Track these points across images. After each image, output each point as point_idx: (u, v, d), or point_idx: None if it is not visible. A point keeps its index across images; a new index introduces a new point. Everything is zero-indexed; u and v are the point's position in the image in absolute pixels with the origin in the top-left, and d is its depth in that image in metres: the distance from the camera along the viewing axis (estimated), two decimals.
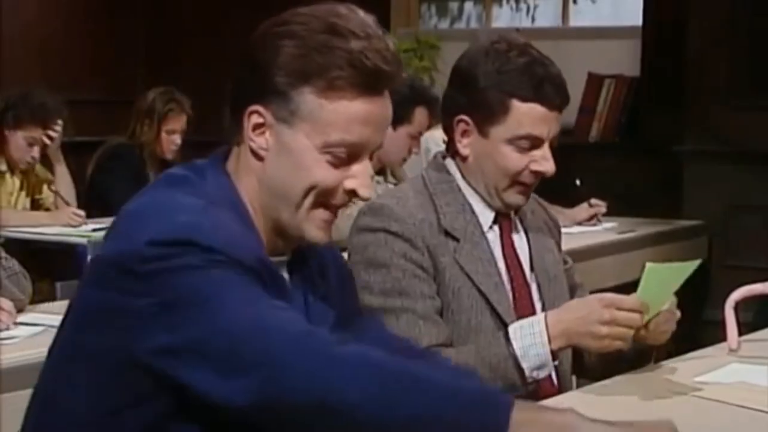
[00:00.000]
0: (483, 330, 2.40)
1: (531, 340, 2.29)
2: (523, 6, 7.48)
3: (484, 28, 7.61)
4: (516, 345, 2.29)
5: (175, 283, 1.60)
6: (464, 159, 2.49)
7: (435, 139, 5.25)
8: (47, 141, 5.22)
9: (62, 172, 5.45)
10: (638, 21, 6.68)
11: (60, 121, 5.29)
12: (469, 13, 7.72)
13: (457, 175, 2.51)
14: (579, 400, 2.17)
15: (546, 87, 2.40)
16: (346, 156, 1.74)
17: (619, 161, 6.47)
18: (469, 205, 2.49)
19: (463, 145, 2.47)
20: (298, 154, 1.73)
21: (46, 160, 5.41)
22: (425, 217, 2.43)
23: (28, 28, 7.16)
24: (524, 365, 2.29)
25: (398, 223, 2.39)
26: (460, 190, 2.50)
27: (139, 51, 7.74)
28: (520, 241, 2.57)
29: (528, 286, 2.52)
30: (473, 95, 2.42)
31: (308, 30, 1.72)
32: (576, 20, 7.26)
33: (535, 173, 2.45)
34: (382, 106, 1.76)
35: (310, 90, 1.71)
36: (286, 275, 1.84)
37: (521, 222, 2.59)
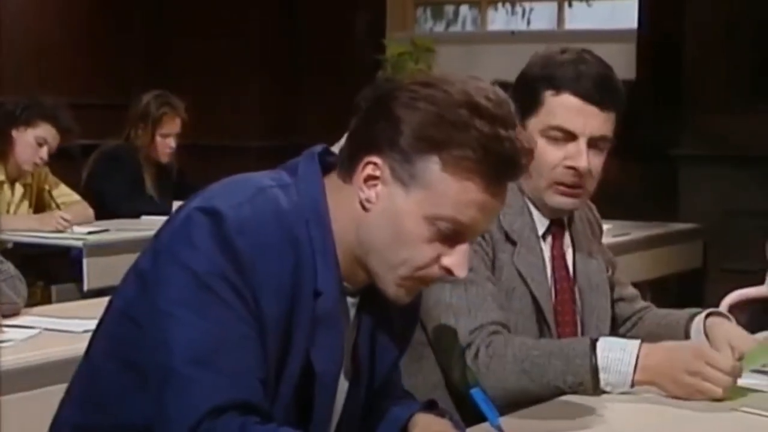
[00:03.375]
0: (526, 334, 2.38)
1: (620, 355, 2.23)
2: (518, 9, 7.49)
3: (480, 31, 7.62)
4: (601, 354, 2.23)
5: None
6: None
7: None
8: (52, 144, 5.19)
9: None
10: (634, 24, 6.70)
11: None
12: (465, 17, 7.74)
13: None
14: (574, 404, 2.18)
15: (583, 81, 2.38)
16: (450, 233, 1.70)
17: (614, 164, 6.48)
18: (528, 208, 2.46)
19: None
20: (404, 219, 1.70)
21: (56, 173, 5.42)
22: None
23: (26, 32, 7.16)
24: (602, 376, 2.22)
25: None
26: (520, 190, 2.45)
27: (136, 55, 7.74)
28: (568, 248, 2.54)
29: (573, 301, 2.50)
30: (519, 94, 2.36)
31: (449, 101, 1.68)
32: (571, 23, 7.28)
33: (569, 169, 2.41)
34: (501, 197, 1.72)
35: (436, 161, 1.67)
36: (353, 299, 1.82)
37: (569, 227, 2.55)
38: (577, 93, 2.38)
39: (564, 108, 2.39)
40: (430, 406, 1.94)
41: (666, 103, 6.38)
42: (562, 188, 2.42)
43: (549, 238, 2.49)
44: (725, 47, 6.18)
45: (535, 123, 2.39)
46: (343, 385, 1.82)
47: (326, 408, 1.78)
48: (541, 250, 2.46)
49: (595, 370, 2.22)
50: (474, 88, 1.71)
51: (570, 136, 2.40)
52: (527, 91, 2.39)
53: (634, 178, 6.39)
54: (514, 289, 2.40)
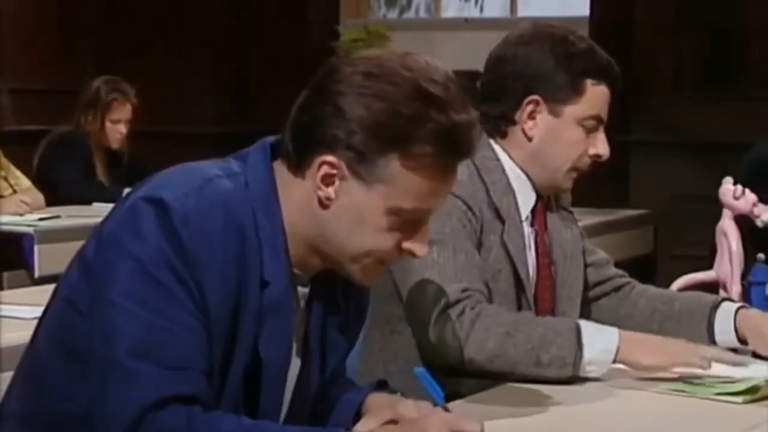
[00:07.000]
0: None
1: (602, 333, 2.25)
2: None
3: (433, 18, 7.63)
4: (584, 332, 2.24)
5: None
6: (530, 140, 2.45)
7: None
8: None
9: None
10: (586, 12, 6.73)
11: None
12: (418, 4, 7.74)
13: (503, 156, 2.47)
14: (515, 391, 2.19)
15: (611, 70, 2.47)
16: (410, 219, 1.72)
17: None
18: (512, 188, 2.46)
19: (529, 127, 2.44)
20: (365, 213, 1.70)
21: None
22: (478, 189, 2.41)
23: None
24: (586, 352, 2.22)
25: (458, 187, 2.24)
26: (504, 171, 2.46)
27: (87, 40, 7.68)
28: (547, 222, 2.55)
29: (550, 276, 2.51)
30: (544, 76, 2.42)
31: (401, 94, 1.67)
32: (524, 11, 7.30)
33: (592, 156, 2.47)
34: (455, 175, 1.74)
35: (396, 158, 1.67)
36: (305, 290, 1.82)
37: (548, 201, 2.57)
38: (610, 83, 2.47)
39: (601, 97, 2.46)
40: (381, 386, 1.95)
41: (617, 90, 6.42)
42: (577, 174, 2.49)
43: (529, 216, 2.50)
44: (675, 35, 6.22)
45: (574, 111, 2.43)
46: (294, 373, 1.82)
47: (275, 397, 1.78)
48: (523, 229, 2.47)
49: (580, 346, 2.22)
50: (419, 71, 1.69)
51: (599, 124, 2.46)
52: (570, 80, 2.42)
53: None
54: (501, 270, 2.40)
